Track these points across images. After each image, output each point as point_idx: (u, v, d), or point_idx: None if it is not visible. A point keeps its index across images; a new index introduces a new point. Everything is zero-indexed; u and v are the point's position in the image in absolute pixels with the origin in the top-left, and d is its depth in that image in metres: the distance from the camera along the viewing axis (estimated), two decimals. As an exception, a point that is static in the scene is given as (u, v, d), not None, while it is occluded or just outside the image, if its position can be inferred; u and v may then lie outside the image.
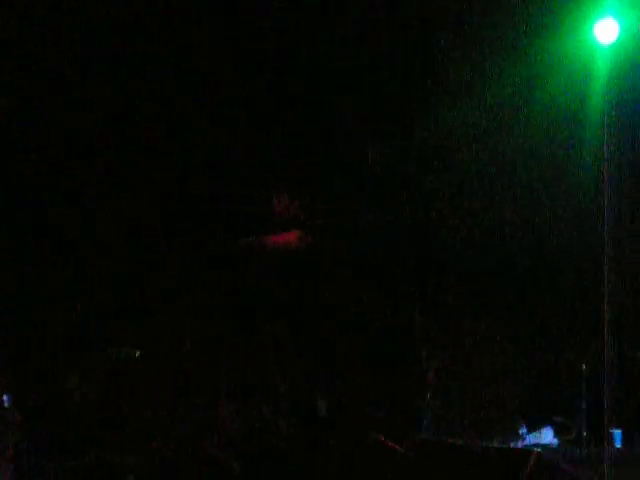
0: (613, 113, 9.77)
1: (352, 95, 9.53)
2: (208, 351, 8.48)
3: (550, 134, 9.93)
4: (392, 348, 9.24)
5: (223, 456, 8.15)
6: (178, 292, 8.70)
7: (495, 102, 9.81)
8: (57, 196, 8.84)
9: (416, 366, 9.35)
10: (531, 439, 8.85)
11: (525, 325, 9.80)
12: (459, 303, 9.71)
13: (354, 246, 9.09)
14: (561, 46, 9.73)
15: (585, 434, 9.06)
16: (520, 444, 8.67)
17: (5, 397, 8.01)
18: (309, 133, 9.43)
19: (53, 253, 8.74)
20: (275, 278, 8.12)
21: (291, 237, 7.89)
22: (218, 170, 9.12)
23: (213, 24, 9.05)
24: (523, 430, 8.95)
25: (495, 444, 8.54)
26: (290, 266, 8.05)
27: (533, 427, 8.96)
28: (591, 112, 9.88)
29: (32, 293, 8.65)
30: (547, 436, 8.92)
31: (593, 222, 9.80)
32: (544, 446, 8.61)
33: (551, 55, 9.76)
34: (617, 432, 8.71)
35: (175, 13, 8.93)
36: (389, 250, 9.46)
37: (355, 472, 7.89)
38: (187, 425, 8.28)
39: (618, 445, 8.81)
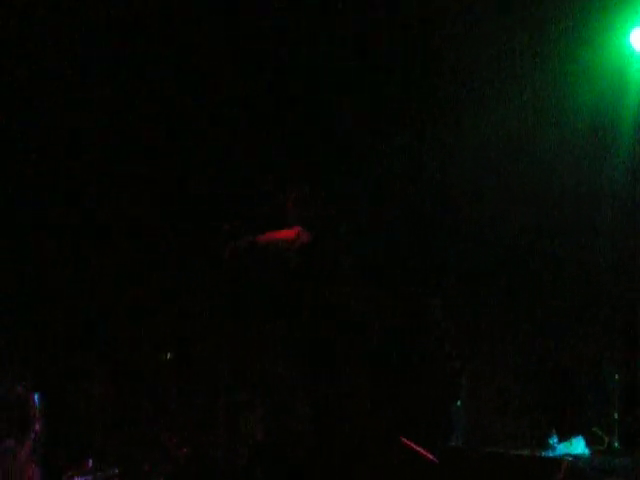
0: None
1: (355, 95, 9.52)
2: (214, 353, 8.54)
3: (583, 143, 9.85)
4: (415, 348, 9.22)
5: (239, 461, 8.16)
6: (179, 293, 8.79)
7: (526, 110, 9.78)
8: (58, 196, 8.92)
9: (444, 367, 9.30)
10: (562, 449, 8.75)
11: (558, 334, 9.76)
12: (485, 303, 9.71)
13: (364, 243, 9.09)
14: (596, 54, 9.71)
15: (617, 444, 8.99)
16: (551, 454, 8.58)
17: (36, 396, 7.96)
18: (310, 132, 9.45)
19: (71, 257, 8.85)
20: (277, 275, 7.98)
21: (291, 233, 7.76)
22: (220, 170, 9.19)
23: (215, 24, 9.09)
24: (554, 440, 8.85)
25: (526, 453, 8.45)
26: (291, 262, 7.95)
27: (564, 437, 8.86)
28: (625, 121, 9.85)
29: (54, 295, 8.76)
30: (578, 446, 8.80)
31: (624, 234, 9.75)
32: (575, 456, 8.50)
33: (585, 63, 9.71)
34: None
35: (176, 12, 8.97)
36: (398, 248, 9.45)
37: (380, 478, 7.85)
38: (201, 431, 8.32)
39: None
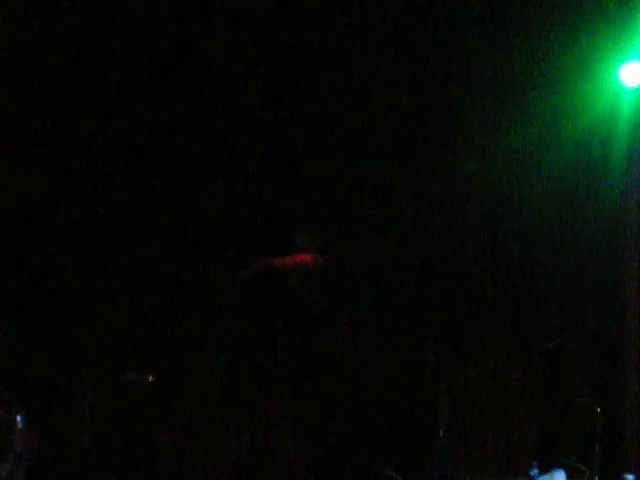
0: (637, 158, 9.85)
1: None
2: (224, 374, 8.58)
3: (573, 177, 9.93)
4: (404, 379, 9.31)
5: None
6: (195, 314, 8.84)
7: (516, 144, 9.90)
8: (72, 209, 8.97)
9: (429, 399, 9.36)
10: (542, 481, 8.78)
11: (540, 365, 9.83)
12: (471, 335, 9.79)
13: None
14: (585, 89, 9.78)
15: (597, 478, 9.03)
16: (532, 485, 8.60)
17: (19, 418, 7.84)
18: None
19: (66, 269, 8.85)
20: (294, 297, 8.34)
21: (307, 258, 8.37)
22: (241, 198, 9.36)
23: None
24: (534, 471, 8.84)
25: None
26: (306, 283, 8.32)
27: (545, 469, 8.87)
28: (615, 156, 9.88)
29: (44, 312, 8.73)
30: (559, 478, 8.81)
31: (615, 268, 9.83)
32: (556, 488, 8.55)
33: (574, 98, 9.79)
34: (631, 478, 8.61)
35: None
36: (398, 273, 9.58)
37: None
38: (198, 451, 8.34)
39: (630, 492, 8.76)
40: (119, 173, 9.03)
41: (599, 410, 9.38)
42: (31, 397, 8.04)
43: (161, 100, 9.10)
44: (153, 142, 9.09)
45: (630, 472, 8.70)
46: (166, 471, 8.33)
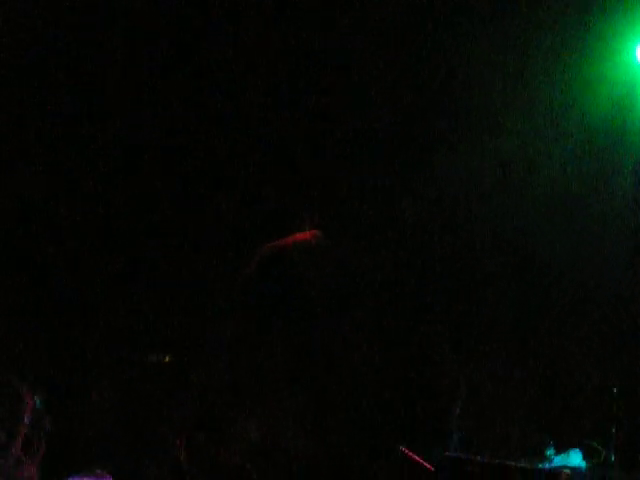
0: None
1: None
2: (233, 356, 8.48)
3: (589, 158, 9.85)
4: (420, 359, 9.22)
5: (244, 465, 8.04)
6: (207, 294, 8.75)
7: (532, 125, 9.87)
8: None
9: (445, 379, 9.28)
10: (559, 461, 8.70)
11: (558, 345, 9.75)
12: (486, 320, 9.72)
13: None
14: (602, 68, 9.74)
15: (613, 458, 8.95)
16: (548, 465, 8.52)
17: (37, 401, 7.75)
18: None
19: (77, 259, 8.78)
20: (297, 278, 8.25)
21: (308, 235, 8.26)
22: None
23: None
24: (551, 451, 8.80)
25: (522, 464, 8.38)
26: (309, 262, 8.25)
27: (561, 449, 8.81)
28: (632, 136, 9.81)
29: (58, 295, 8.65)
30: (575, 458, 8.75)
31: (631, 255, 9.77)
32: (572, 468, 8.46)
33: (591, 77, 9.73)
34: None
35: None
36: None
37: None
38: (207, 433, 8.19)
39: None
40: (119, 173, 8.97)
41: (615, 391, 9.33)
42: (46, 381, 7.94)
43: (161, 100, 9.08)
44: (153, 142, 9.05)
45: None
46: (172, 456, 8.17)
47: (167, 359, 8.59)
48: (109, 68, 9.01)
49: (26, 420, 7.22)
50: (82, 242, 8.77)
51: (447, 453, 8.92)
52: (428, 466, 8.24)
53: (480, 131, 9.69)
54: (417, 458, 8.27)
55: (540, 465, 8.48)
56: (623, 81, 9.69)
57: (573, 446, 8.86)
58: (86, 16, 8.86)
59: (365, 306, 9.20)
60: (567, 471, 8.20)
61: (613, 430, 8.98)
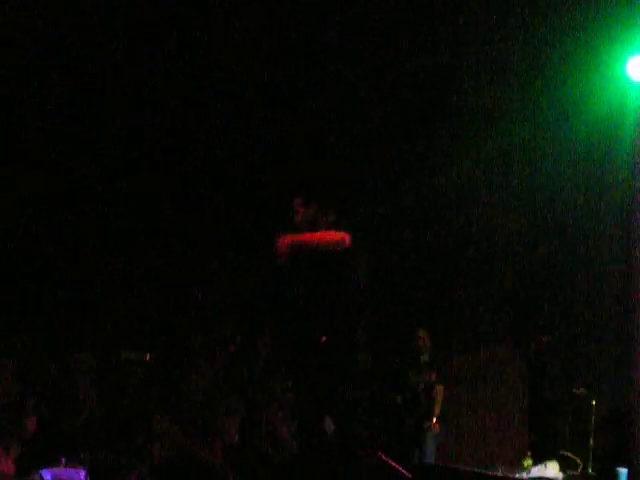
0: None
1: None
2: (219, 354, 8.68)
3: (578, 173, 9.96)
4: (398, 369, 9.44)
5: (221, 465, 8.29)
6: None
7: (521, 138, 9.86)
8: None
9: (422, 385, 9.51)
10: (536, 472, 8.93)
11: (537, 357, 9.93)
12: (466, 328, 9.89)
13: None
14: (593, 82, 9.65)
15: (590, 470, 9.20)
16: (525, 476, 8.77)
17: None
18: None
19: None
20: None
21: (340, 236, 7.74)
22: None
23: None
24: (528, 462, 8.97)
25: (499, 474, 8.66)
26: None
27: (538, 460, 9.04)
28: (621, 151, 9.82)
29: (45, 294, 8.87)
30: (552, 470, 8.98)
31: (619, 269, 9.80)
32: (549, 479, 8.72)
33: (581, 91, 9.73)
34: (623, 471, 8.73)
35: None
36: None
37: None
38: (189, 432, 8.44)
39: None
40: (119, 173, 9.09)
41: (594, 403, 9.50)
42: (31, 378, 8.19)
43: (161, 100, 9.11)
44: (153, 142, 9.12)
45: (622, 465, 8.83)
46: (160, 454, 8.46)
47: (147, 357, 8.74)
48: (109, 68, 9.02)
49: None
50: (82, 242, 8.97)
51: (425, 461, 9.23)
52: (406, 474, 8.50)
53: (474, 140, 9.65)
54: (395, 465, 8.50)
55: (517, 475, 8.70)
56: (613, 94, 9.55)
57: (550, 457, 9.04)
58: (86, 16, 8.83)
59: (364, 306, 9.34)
60: (543, 483, 8.48)
61: (590, 441, 9.18)
